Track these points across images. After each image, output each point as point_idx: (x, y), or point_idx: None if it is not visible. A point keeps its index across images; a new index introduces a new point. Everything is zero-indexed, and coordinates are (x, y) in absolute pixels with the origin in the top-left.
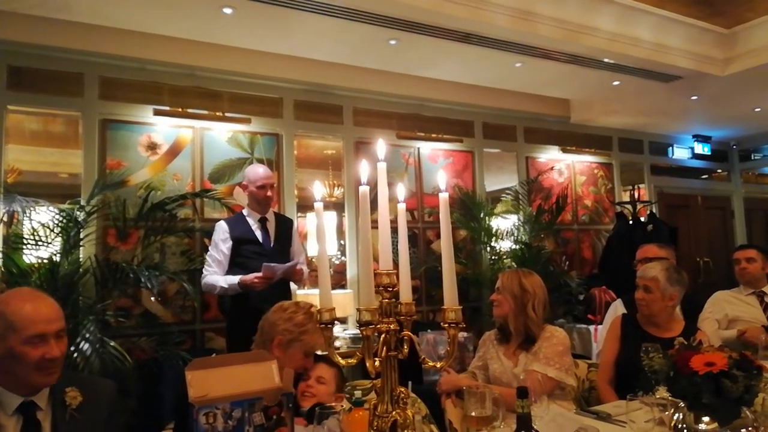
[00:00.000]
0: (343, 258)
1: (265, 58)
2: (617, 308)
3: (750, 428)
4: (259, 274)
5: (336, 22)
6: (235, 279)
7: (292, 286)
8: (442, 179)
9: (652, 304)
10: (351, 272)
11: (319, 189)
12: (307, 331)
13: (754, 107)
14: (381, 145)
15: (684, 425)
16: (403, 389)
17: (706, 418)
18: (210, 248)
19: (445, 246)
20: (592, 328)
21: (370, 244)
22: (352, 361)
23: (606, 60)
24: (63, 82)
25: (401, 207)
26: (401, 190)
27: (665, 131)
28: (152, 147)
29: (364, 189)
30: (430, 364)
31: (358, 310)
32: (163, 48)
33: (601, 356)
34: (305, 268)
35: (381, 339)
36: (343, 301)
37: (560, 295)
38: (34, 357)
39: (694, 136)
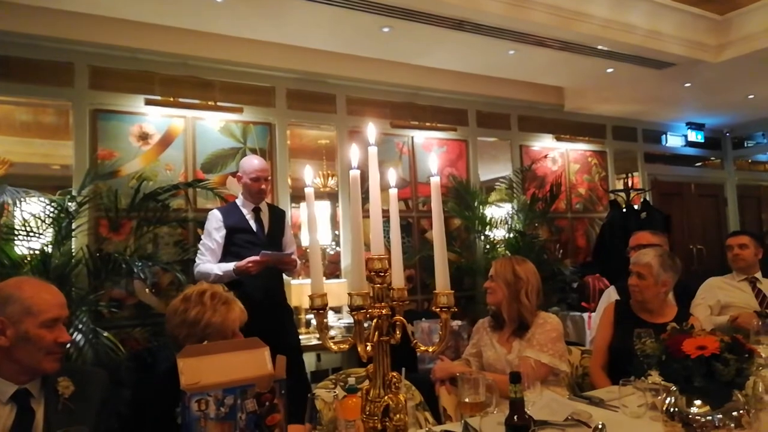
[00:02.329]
0: (337, 248)
1: (257, 47)
2: (610, 295)
3: (741, 411)
4: (255, 258)
5: (328, 10)
6: (230, 266)
7: (285, 276)
8: (433, 163)
9: (645, 290)
10: (345, 262)
11: (309, 174)
12: (209, 324)
13: (748, 94)
14: (371, 130)
15: (676, 409)
16: (395, 374)
17: (698, 402)
18: (203, 237)
19: (436, 230)
20: (585, 315)
21: (361, 228)
22: (345, 347)
23: (600, 47)
24: (52, 72)
25: (393, 192)
26: (393, 175)
27: (659, 119)
28: (144, 137)
29: (354, 172)
30: (422, 348)
31: (350, 294)
32: (154, 37)
33: (595, 342)
34: (297, 259)
35: (373, 324)
36: (338, 291)
37: (554, 283)
38: (48, 341)
39: (687, 124)
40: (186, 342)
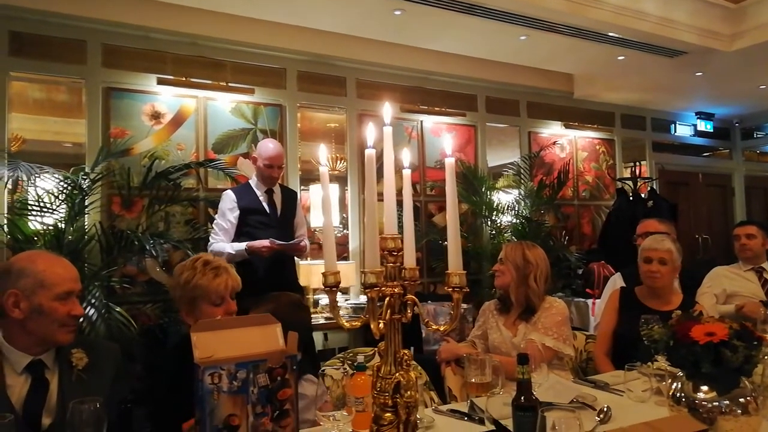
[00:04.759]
0: (345, 231)
1: (268, 28)
2: (616, 282)
3: (748, 398)
4: (266, 243)
5: None
6: (242, 245)
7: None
8: (447, 144)
9: (666, 275)
10: (353, 244)
11: (323, 153)
12: (197, 286)
13: (760, 84)
14: (387, 109)
15: (682, 394)
16: (406, 352)
17: (704, 388)
18: (217, 217)
19: (450, 212)
20: (590, 302)
21: (375, 207)
22: (357, 324)
23: (611, 34)
24: (65, 49)
25: (406, 173)
26: (406, 156)
27: (668, 108)
28: (156, 116)
29: (369, 151)
30: (434, 327)
31: (363, 272)
32: (167, 16)
33: (599, 327)
34: (307, 242)
35: (386, 302)
36: (346, 272)
37: (559, 270)
38: (61, 313)
39: (696, 114)
40: (180, 302)
